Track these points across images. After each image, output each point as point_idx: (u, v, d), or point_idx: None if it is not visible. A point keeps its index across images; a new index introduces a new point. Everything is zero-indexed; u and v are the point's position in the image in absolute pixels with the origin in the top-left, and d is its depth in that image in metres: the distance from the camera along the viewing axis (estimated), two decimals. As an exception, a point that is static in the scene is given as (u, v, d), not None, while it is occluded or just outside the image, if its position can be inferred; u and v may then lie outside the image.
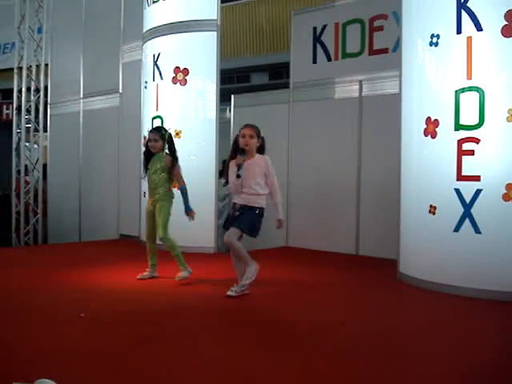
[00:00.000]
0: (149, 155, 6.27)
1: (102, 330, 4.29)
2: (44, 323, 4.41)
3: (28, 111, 12.48)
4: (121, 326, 4.39)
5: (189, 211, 6.13)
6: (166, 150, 6.21)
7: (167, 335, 4.19)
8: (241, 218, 5.31)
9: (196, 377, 3.32)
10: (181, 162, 6.33)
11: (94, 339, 4.04)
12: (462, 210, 5.55)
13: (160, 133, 6.20)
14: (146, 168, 6.27)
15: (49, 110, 12.33)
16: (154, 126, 6.32)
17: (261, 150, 5.46)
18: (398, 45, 7.15)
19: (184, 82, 8.46)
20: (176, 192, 6.21)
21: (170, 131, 6.35)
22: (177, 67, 8.46)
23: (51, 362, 3.51)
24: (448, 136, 5.68)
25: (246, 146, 5.31)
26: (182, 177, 6.19)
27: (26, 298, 5.26)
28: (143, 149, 8.69)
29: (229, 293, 5.32)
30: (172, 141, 6.27)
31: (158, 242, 6.22)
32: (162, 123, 8.50)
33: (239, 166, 5.27)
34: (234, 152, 5.40)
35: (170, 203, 6.17)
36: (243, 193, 5.33)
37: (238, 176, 5.26)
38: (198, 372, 3.40)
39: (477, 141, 5.46)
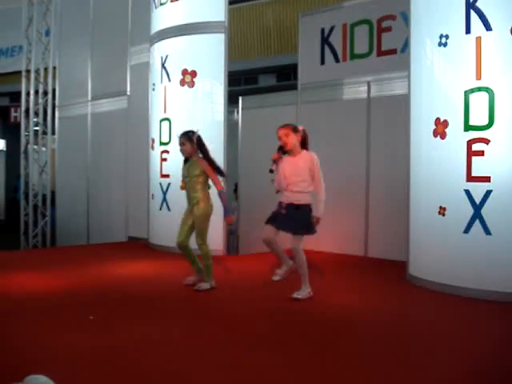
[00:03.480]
0: (186, 159, 6.04)
1: (110, 332, 4.28)
2: (53, 325, 4.41)
3: (36, 114, 12.51)
4: (130, 328, 4.38)
5: (226, 217, 5.96)
6: (200, 154, 5.95)
7: (176, 337, 4.18)
8: (293, 223, 5.21)
9: (205, 377, 3.31)
10: (222, 168, 6.15)
11: (102, 341, 4.03)
12: (472, 211, 5.52)
13: (186, 135, 5.96)
14: (183, 174, 6.05)
15: (57, 112, 12.35)
16: (183, 131, 6.07)
17: (304, 143, 5.38)
18: (406, 45, 7.14)
19: (192, 84, 8.45)
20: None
21: (198, 133, 6.01)
22: (185, 69, 8.46)
23: (60, 363, 3.51)
24: (457, 137, 5.65)
25: (286, 145, 5.27)
26: (219, 180, 5.91)
27: (35, 301, 5.26)
28: (151, 151, 8.75)
29: (274, 278, 5.42)
30: (201, 142, 5.98)
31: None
32: (170, 125, 8.50)
33: (274, 161, 5.25)
34: (278, 151, 5.31)
35: (210, 207, 5.90)
36: (288, 190, 5.26)
37: (271, 171, 5.24)
38: (206, 372, 3.39)
39: (486, 141, 5.43)
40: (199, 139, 5.97)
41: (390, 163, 7.98)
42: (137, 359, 3.63)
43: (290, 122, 5.42)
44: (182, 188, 6.10)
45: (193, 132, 6.00)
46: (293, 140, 5.27)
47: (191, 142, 5.91)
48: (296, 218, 5.23)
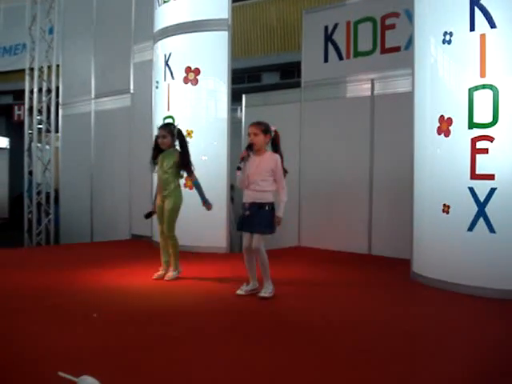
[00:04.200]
0: (157, 151, 6.25)
1: (114, 330, 4.28)
2: (56, 323, 4.41)
3: (40, 112, 12.53)
4: (133, 326, 4.38)
5: (207, 204, 6.15)
6: (177, 147, 6.19)
7: (180, 335, 4.18)
8: (255, 221, 5.28)
9: (208, 376, 3.31)
10: (193, 160, 6.27)
11: (106, 339, 4.03)
12: (476, 208, 5.51)
13: (168, 128, 6.22)
14: (154, 163, 6.28)
15: (60, 110, 12.37)
16: (163, 123, 6.28)
17: (274, 145, 5.43)
18: (410, 43, 7.12)
19: (195, 82, 8.45)
20: (188, 192, 6.19)
21: (178, 127, 6.28)
22: (188, 67, 8.45)
23: (63, 361, 3.50)
24: (462, 134, 5.63)
25: (253, 144, 5.31)
26: (193, 172, 6.15)
27: (39, 298, 5.26)
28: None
29: (238, 292, 5.42)
30: (182, 136, 6.24)
31: None
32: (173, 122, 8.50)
33: (242, 159, 5.27)
34: (247, 149, 5.36)
35: (180, 199, 6.19)
36: (250, 189, 5.33)
37: (238, 168, 5.28)
38: (210, 372, 3.39)
39: (491, 139, 5.41)
40: (180, 133, 6.23)
41: (394, 161, 7.97)
42: (138, 359, 3.62)
43: (263, 121, 5.43)
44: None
45: (174, 125, 6.30)
46: (260, 140, 5.31)
47: (172, 135, 6.15)
48: (258, 217, 5.27)
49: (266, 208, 5.28)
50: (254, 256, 5.41)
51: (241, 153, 5.37)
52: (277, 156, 5.35)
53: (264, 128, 5.34)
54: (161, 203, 6.19)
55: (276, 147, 5.43)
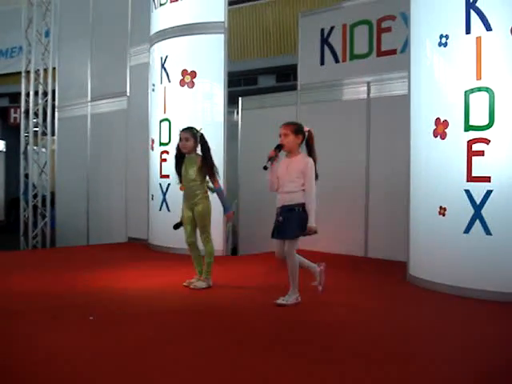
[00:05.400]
0: (180, 158, 5.97)
1: (111, 333, 4.27)
2: (53, 326, 4.40)
3: (36, 115, 12.49)
4: (130, 329, 4.37)
5: (227, 212, 5.97)
6: (199, 151, 5.90)
7: (178, 338, 4.17)
8: (286, 227, 5.03)
9: (206, 379, 3.30)
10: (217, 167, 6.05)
11: (102, 342, 4.02)
12: (473, 211, 5.51)
13: (191, 132, 5.89)
14: (179, 173, 5.97)
15: (56, 113, 12.35)
16: (185, 126, 6.02)
17: (308, 147, 5.17)
18: (406, 46, 7.15)
19: (191, 85, 8.45)
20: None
21: (201, 131, 5.96)
22: (184, 70, 8.46)
23: (60, 364, 3.50)
24: (458, 137, 5.64)
25: (283, 145, 5.08)
26: (217, 178, 5.86)
27: (35, 301, 5.25)
28: (151, 152, 8.69)
29: (279, 301, 5.11)
30: (205, 140, 5.92)
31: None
32: (170, 126, 8.50)
33: (269, 158, 5.01)
34: (275, 149, 5.08)
35: (210, 205, 5.89)
36: (280, 193, 5.10)
37: (265, 168, 5.00)
38: (208, 374, 3.38)
39: (487, 141, 5.42)
40: (203, 137, 5.92)
41: (390, 163, 7.97)
42: (137, 360, 3.62)
43: (297, 122, 5.24)
44: (182, 189, 6.02)
45: (196, 130, 5.95)
46: (290, 141, 5.07)
47: (195, 139, 5.87)
48: (289, 222, 5.03)
49: (296, 210, 5.02)
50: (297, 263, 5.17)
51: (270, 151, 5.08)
52: (309, 159, 5.09)
53: (295, 128, 5.09)
54: (189, 213, 5.91)
55: (310, 149, 5.18)
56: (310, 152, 5.18)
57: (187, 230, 5.96)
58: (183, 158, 5.94)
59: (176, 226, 6.11)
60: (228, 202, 5.89)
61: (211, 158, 5.87)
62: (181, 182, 5.98)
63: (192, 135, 5.85)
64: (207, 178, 5.88)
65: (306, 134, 5.16)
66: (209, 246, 5.87)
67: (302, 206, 5.03)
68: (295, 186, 5.03)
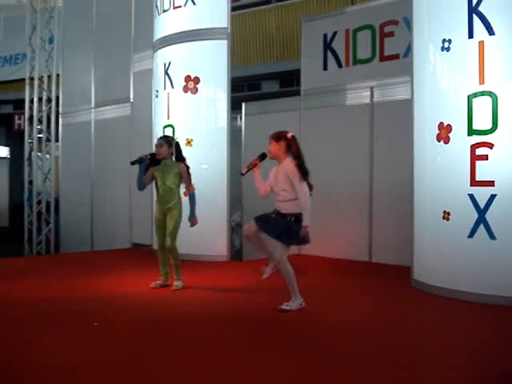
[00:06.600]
0: (152, 162, 6.18)
1: (115, 339, 4.28)
2: (57, 332, 4.41)
3: (40, 121, 12.54)
4: (134, 335, 4.38)
5: (193, 219, 6.16)
6: (173, 158, 6.21)
7: (180, 344, 4.17)
8: (274, 224, 5.11)
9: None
10: (192, 170, 6.31)
11: (107, 347, 4.03)
12: (477, 215, 5.51)
13: (166, 139, 6.27)
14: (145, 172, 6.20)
15: (60, 119, 12.39)
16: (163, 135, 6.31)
17: (290, 151, 5.21)
18: (409, 50, 7.14)
19: (195, 91, 8.47)
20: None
21: (177, 139, 6.39)
22: (188, 76, 8.47)
23: (65, 370, 3.50)
24: (461, 141, 5.64)
25: (269, 152, 5.25)
26: (191, 183, 6.20)
27: (40, 307, 5.26)
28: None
29: (283, 307, 5.15)
30: (179, 148, 6.27)
31: None
32: (174, 132, 8.50)
33: (249, 165, 5.29)
34: (258, 157, 5.32)
35: (182, 211, 6.19)
36: (276, 200, 5.19)
37: (241, 174, 5.41)
38: (209, 379, 3.38)
39: (490, 146, 5.42)
40: (178, 145, 6.27)
41: (394, 168, 7.96)
42: (139, 366, 3.62)
43: (280, 130, 5.31)
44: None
45: (172, 137, 6.45)
46: (273, 149, 5.21)
47: (170, 146, 6.17)
48: (278, 224, 5.09)
49: (288, 219, 5.06)
50: (255, 237, 5.25)
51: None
52: (289, 161, 5.15)
53: (276, 135, 5.23)
54: (161, 216, 6.20)
55: (292, 154, 5.21)
56: (293, 156, 5.21)
57: (160, 234, 6.25)
58: (156, 163, 6.17)
59: (134, 162, 6.30)
60: (195, 209, 6.14)
61: (187, 165, 6.21)
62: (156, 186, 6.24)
63: (166, 142, 6.20)
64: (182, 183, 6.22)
65: (285, 139, 5.22)
66: (175, 250, 6.13)
67: (295, 216, 5.05)
68: (287, 194, 5.11)
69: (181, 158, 6.22)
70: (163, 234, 6.20)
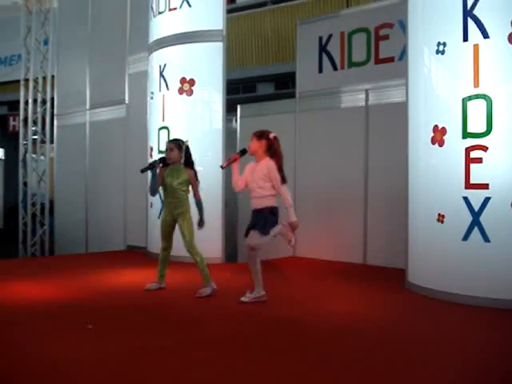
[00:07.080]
0: (163, 167, 6.11)
1: (110, 340, 4.27)
2: (51, 334, 4.40)
3: (34, 123, 12.52)
4: (129, 336, 4.37)
5: (202, 224, 6.08)
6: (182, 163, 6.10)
7: (175, 344, 4.17)
8: (254, 224, 5.43)
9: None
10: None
11: (101, 350, 4.02)
12: (471, 218, 5.52)
13: (176, 142, 6.12)
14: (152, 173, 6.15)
15: (55, 121, 12.37)
16: (172, 138, 6.21)
17: (270, 150, 5.46)
18: (403, 53, 7.16)
19: (190, 93, 8.47)
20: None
21: (187, 143, 6.25)
22: (183, 78, 8.47)
23: (59, 370, 3.50)
24: (456, 144, 5.65)
25: (249, 148, 5.54)
26: (199, 190, 6.14)
27: (34, 309, 5.25)
28: (150, 160, 8.70)
29: (242, 299, 5.48)
30: (189, 152, 6.14)
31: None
32: (169, 134, 8.50)
33: (229, 159, 5.60)
34: (239, 152, 5.65)
35: (191, 215, 6.09)
36: (251, 197, 5.48)
37: (221, 167, 5.93)
38: (206, 381, 3.38)
39: (485, 148, 5.43)
40: (188, 149, 6.15)
41: (389, 171, 7.98)
42: (135, 368, 3.62)
43: (263, 129, 5.57)
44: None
45: (182, 141, 6.20)
46: (254, 146, 5.49)
47: (180, 150, 6.07)
48: (257, 222, 5.41)
49: (264, 211, 5.39)
50: (257, 261, 5.47)
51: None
52: (269, 162, 5.41)
53: (258, 134, 5.50)
54: (168, 217, 6.09)
55: (272, 154, 5.45)
56: (275, 157, 5.45)
57: (165, 235, 6.16)
58: (166, 167, 6.10)
59: (144, 170, 6.23)
60: (203, 214, 6.11)
61: (195, 170, 6.12)
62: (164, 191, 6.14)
63: (177, 146, 6.07)
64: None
65: (267, 139, 5.48)
66: (198, 254, 6.01)
67: (270, 209, 5.39)
68: (263, 191, 5.41)
69: (190, 163, 6.10)
70: (169, 234, 6.13)
